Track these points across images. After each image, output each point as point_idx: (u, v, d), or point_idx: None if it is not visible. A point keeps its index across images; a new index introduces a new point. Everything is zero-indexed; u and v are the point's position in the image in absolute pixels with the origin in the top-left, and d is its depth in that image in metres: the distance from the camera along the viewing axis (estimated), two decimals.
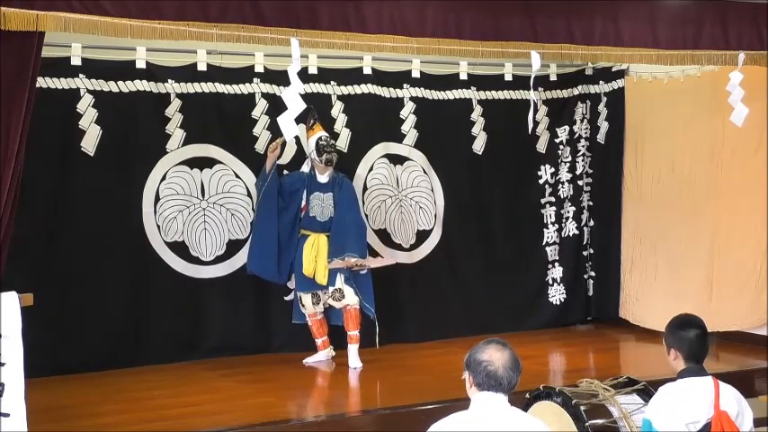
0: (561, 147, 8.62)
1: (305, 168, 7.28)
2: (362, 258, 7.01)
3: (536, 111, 6.68)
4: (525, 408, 4.89)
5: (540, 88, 8.21)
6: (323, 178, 7.15)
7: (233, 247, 7.39)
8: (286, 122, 5.16)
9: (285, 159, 7.46)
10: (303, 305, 7.17)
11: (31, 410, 4.53)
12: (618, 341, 8.35)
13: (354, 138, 7.80)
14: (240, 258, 7.39)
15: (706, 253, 7.85)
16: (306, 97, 5.60)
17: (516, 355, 3.38)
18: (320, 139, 7.08)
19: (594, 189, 8.77)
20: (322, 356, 7.21)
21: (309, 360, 7.20)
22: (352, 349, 7.06)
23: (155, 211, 7.13)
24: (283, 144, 7.02)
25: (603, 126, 8.69)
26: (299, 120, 5.54)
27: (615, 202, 8.65)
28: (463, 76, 8.20)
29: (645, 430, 4.08)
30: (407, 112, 8.04)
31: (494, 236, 8.43)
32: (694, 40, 6.18)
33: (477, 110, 8.30)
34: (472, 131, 8.29)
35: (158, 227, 7.16)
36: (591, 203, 8.79)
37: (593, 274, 8.83)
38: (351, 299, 7.02)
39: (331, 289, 7.02)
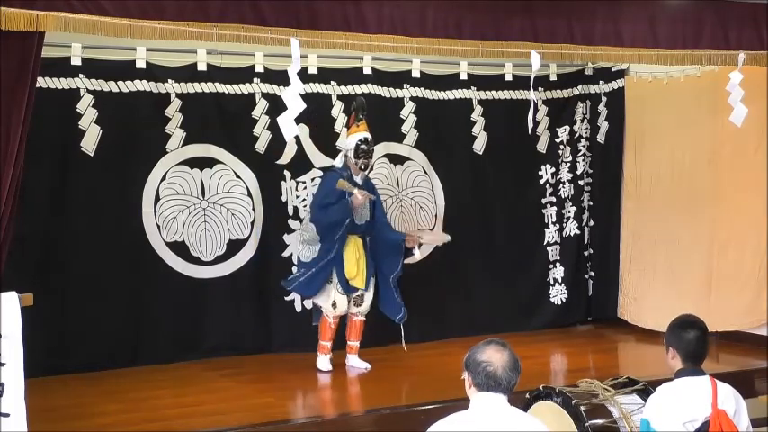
0: (561, 147, 8.62)
1: (338, 163, 6.98)
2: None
3: (536, 111, 6.69)
4: (525, 408, 4.89)
5: (540, 88, 8.21)
6: (358, 179, 6.91)
7: (233, 247, 7.39)
8: (286, 122, 5.17)
9: (286, 159, 7.47)
10: (336, 305, 6.86)
11: (31, 410, 4.53)
12: (618, 341, 8.35)
13: None
14: (240, 258, 7.39)
15: (705, 253, 7.85)
16: (306, 97, 5.60)
17: (516, 356, 3.38)
18: (362, 141, 6.79)
19: (594, 189, 8.77)
20: (327, 361, 7.03)
21: (322, 366, 6.94)
22: (352, 359, 7.02)
23: (155, 211, 7.13)
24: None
25: (603, 126, 8.68)
26: (298, 120, 5.53)
27: (615, 201, 8.66)
28: (463, 76, 8.19)
29: (643, 430, 4.09)
30: (407, 112, 8.04)
31: (494, 236, 8.42)
32: (694, 40, 6.19)
33: (478, 110, 8.29)
34: (472, 131, 8.29)
35: (158, 227, 7.15)
36: (591, 203, 8.79)
37: (592, 273, 8.84)
38: (365, 308, 6.95)
39: (360, 292, 6.89)
